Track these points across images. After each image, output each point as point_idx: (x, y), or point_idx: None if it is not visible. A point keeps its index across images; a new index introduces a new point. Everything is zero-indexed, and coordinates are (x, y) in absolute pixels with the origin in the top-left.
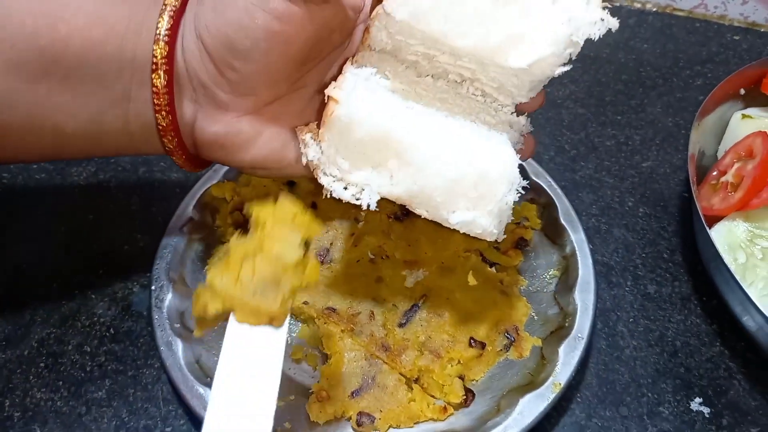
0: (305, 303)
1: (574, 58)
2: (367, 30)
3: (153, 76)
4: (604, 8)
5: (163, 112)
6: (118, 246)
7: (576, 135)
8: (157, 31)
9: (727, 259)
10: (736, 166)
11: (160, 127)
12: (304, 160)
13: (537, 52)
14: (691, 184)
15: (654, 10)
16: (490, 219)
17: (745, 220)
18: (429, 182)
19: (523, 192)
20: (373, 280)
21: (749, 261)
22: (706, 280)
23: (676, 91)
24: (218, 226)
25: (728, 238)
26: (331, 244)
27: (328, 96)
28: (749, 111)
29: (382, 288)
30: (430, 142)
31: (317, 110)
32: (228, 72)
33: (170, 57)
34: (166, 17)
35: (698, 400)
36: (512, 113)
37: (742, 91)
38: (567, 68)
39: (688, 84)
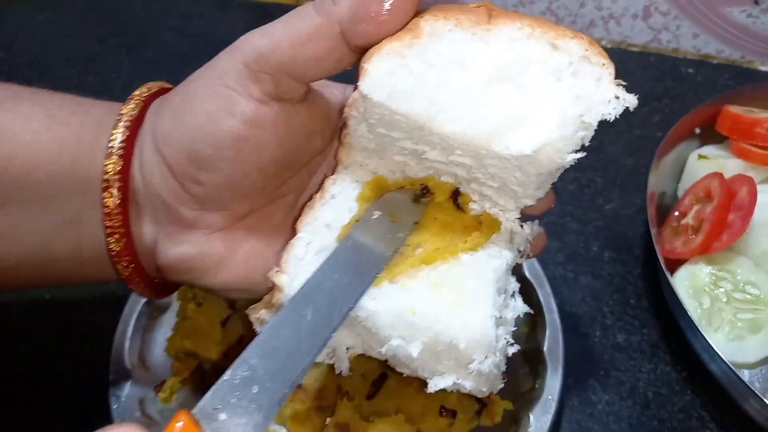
0: None
1: (587, 143)
2: (344, 125)
3: (104, 194)
4: (618, 85)
5: (116, 235)
6: (77, 323)
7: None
8: (110, 144)
9: (691, 305)
10: (695, 208)
11: (113, 253)
12: None
13: (542, 135)
14: (651, 229)
15: (609, 46)
16: (474, 382)
17: (707, 263)
18: (396, 350)
19: (515, 349)
20: None
21: (714, 305)
22: (673, 325)
23: (635, 129)
24: (179, 300)
25: (692, 282)
26: None
27: (272, 281)
28: (705, 150)
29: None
30: (390, 315)
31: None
32: (192, 186)
33: (125, 172)
34: (121, 128)
35: None
36: (515, 220)
37: (698, 130)
38: (580, 155)
39: (646, 121)
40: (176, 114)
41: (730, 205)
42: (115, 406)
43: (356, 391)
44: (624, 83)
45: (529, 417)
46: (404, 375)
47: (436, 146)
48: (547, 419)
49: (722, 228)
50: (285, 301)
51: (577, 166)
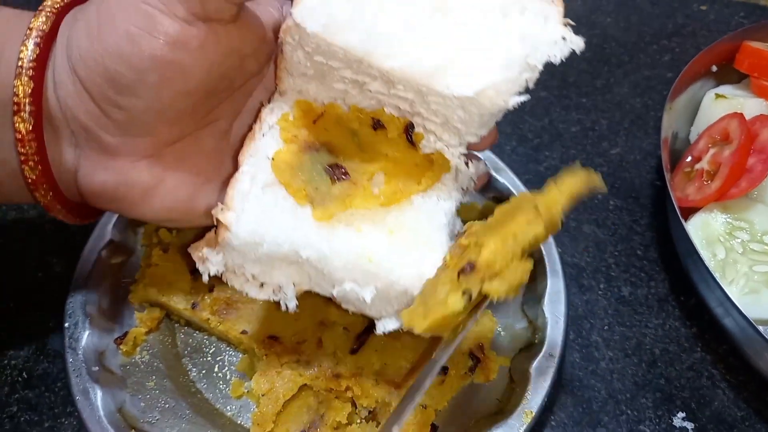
0: (244, 332)
1: (531, 86)
2: (280, 50)
3: (15, 119)
4: (565, 25)
5: (31, 163)
6: (29, 273)
7: (539, 121)
8: (19, 63)
9: (705, 255)
10: (711, 151)
11: (29, 180)
12: (205, 278)
13: (485, 77)
14: (665, 174)
15: None
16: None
17: (723, 211)
18: (348, 293)
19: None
20: (321, 300)
21: (729, 256)
22: (683, 278)
23: (644, 69)
24: (143, 246)
25: (705, 231)
26: None
27: (216, 219)
28: (722, 89)
29: (331, 309)
30: (344, 260)
31: (234, 148)
32: (113, 111)
33: (36, 95)
34: (30, 44)
35: (681, 414)
36: (460, 157)
37: (714, 68)
38: (523, 98)
39: (655, 60)
40: (92, 32)
41: (750, 148)
42: (71, 360)
43: (338, 346)
44: (572, 23)
45: (528, 374)
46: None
47: (377, 78)
48: (547, 377)
49: (741, 172)
50: (231, 239)
51: (581, 107)
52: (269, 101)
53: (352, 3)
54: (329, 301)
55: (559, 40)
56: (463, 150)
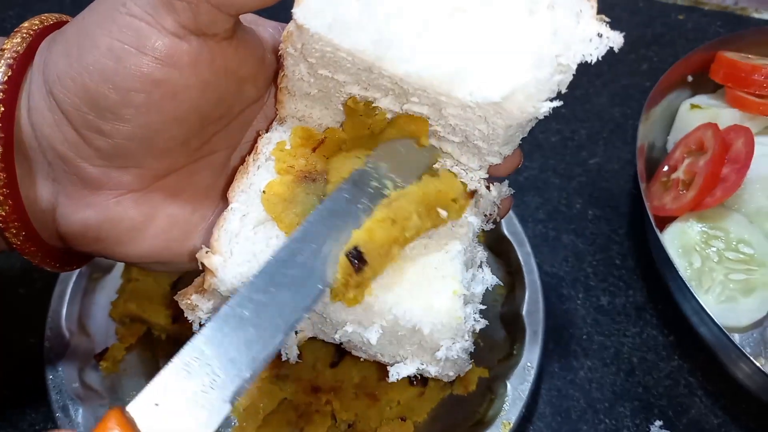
0: None
1: (564, 90)
2: (281, 67)
3: None
4: (600, 20)
5: (0, 197)
6: (12, 289)
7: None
8: None
9: (681, 264)
10: (686, 161)
11: None
12: (196, 326)
13: (513, 79)
14: (641, 184)
15: None
16: (440, 368)
17: (698, 220)
18: (351, 336)
19: (483, 325)
20: None
21: (705, 264)
22: (660, 287)
23: (622, 78)
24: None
25: (682, 240)
26: None
27: (201, 263)
28: (697, 99)
29: None
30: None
31: (228, 181)
32: (95, 138)
33: (6, 120)
34: (2, 66)
35: (658, 423)
36: (481, 180)
37: (690, 78)
38: (556, 104)
39: (633, 69)
40: (71, 51)
41: (724, 158)
42: (50, 377)
43: (318, 358)
44: (607, 19)
45: (506, 385)
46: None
47: (388, 93)
48: (526, 387)
49: (716, 182)
50: (219, 286)
51: (560, 117)
52: (267, 130)
53: (361, 1)
54: None
55: (594, 37)
56: (483, 174)
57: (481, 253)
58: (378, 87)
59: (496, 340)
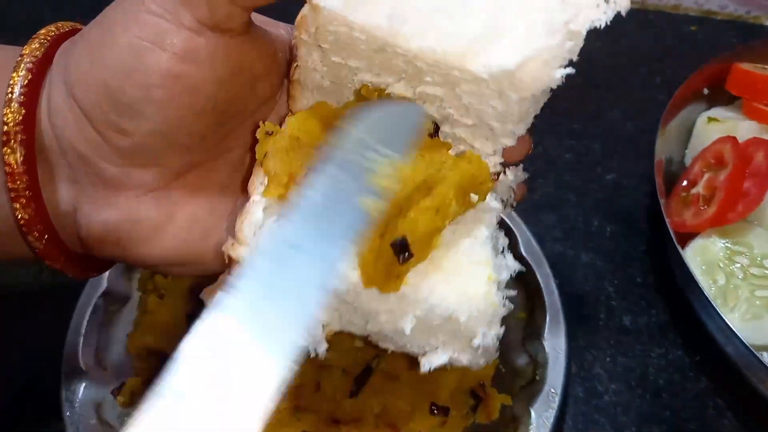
0: None
1: (575, 58)
2: (294, 58)
3: (4, 150)
4: None
5: (23, 200)
6: (21, 321)
7: (532, 149)
8: (9, 90)
9: (705, 282)
10: (706, 176)
11: (22, 222)
12: None
13: (526, 46)
14: (660, 200)
15: None
16: (471, 356)
17: (721, 236)
18: (384, 327)
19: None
20: None
21: (729, 282)
22: (684, 305)
23: (635, 92)
24: (139, 292)
25: (705, 257)
26: None
27: (228, 256)
28: (714, 112)
29: (329, 351)
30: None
31: (245, 180)
32: (115, 137)
33: (28, 122)
34: (22, 71)
35: None
36: (497, 165)
37: (706, 91)
38: (569, 71)
39: (646, 83)
40: (92, 49)
41: (745, 172)
42: (68, 413)
43: (337, 388)
44: None
45: (530, 412)
46: (390, 351)
47: (401, 77)
48: (550, 414)
49: (737, 197)
50: None
51: (573, 133)
52: (281, 125)
53: None
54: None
55: (602, 2)
56: (499, 159)
57: (503, 239)
58: (391, 70)
59: (519, 366)
